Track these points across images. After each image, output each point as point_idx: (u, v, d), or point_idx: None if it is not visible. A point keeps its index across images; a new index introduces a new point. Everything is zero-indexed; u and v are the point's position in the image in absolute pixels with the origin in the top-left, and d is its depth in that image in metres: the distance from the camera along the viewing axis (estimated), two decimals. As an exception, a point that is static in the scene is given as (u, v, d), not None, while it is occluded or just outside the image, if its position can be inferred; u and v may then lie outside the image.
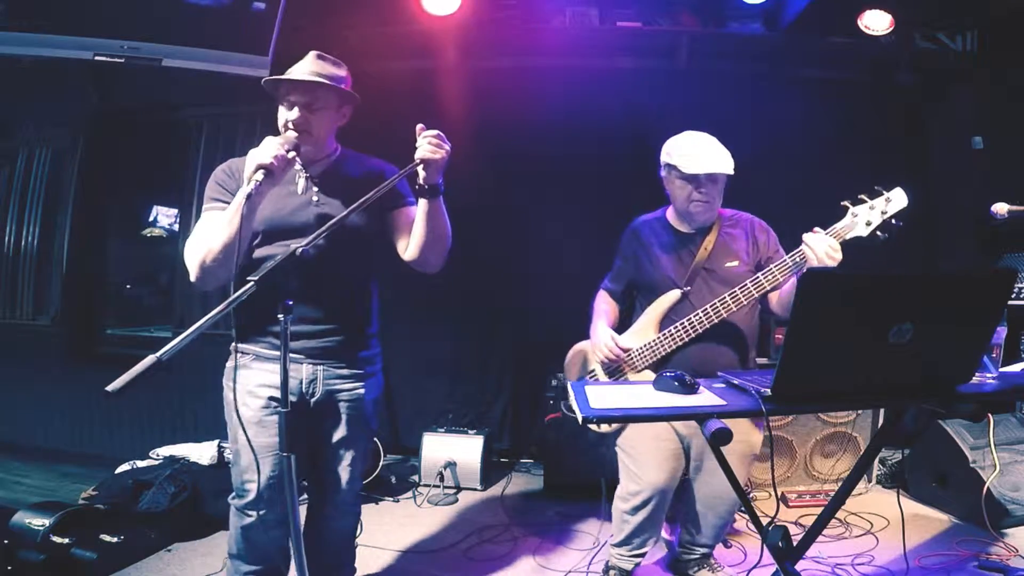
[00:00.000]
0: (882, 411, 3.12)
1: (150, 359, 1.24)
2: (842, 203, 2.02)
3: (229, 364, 1.90)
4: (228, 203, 1.81)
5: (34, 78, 4.02)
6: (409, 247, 1.93)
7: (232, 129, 4.16)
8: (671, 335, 2.19)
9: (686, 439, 2.29)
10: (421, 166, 1.78)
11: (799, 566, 1.59)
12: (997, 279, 1.42)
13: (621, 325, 2.41)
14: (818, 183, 3.99)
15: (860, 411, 3.33)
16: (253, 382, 1.87)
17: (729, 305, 2.11)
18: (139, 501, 2.85)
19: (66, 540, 2.42)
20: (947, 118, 4.04)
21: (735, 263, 2.24)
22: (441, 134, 1.80)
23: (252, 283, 1.37)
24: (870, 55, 3.90)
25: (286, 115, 1.85)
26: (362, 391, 1.98)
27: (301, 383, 1.88)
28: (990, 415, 3.06)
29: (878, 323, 1.34)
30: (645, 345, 2.25)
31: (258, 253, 1.85)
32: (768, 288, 2.09)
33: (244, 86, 3.39)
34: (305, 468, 2.00)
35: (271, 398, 1.85)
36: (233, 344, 1.87)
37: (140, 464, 3.24)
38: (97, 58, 3.38)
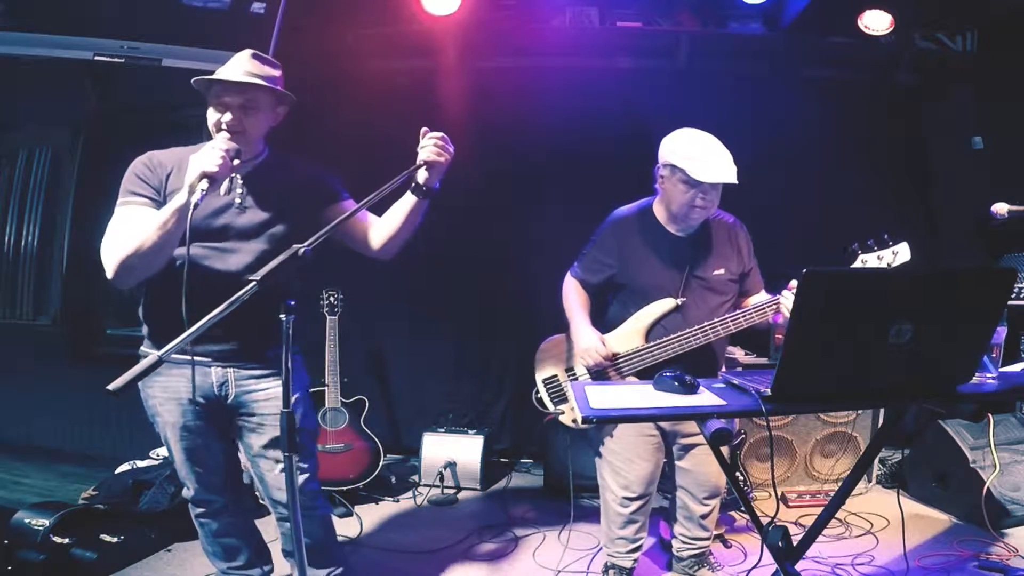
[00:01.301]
0: (882, 411, 3.12)
1: (152, 358, 1.25)
2: (851, 247, 2.08)
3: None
4: (148, 198, 1.78)
5: (34, 78, 4.01)
6: (377, 238, 1.94)
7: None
8: (663, 347, 2.19)
9: (665, 431, 2.33)
10: (424, 168, 1.78)
11: (799, 566, 1.60)
12: (997, 279, 1.42)
13: (594, 321, 2.37)
14: (818, 183, 4.01)
15: (860, 411, 3.33)
16: (170, 389, 1.87)
17: (730, 327, 2.16)
18: (139, 501, 2.85)
19: (66, 540, 2.42)
20: (947, 118, 4.03)
21: (721, 271, 2.25)
22: (446, 137, 1.80)
23: (254, 283, 1.37)
24: (870, 55, 3.90)
25: (218, 117, 1.79)
26: (278, 389, 1.86)
27: (213, 386, 1.88)
28: (990, 415, 3.06)
29: (878, 323, 1.34)
30: (632, 352, 2.24)
31: (176, 252, 1.76)
32: (757, 320, 2.16)
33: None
34: (224, 476, 2.02)
35: (190, 400, 1.87)
36: (141, 348, 1.90)
37: (140, 464, 3.24)
38: (97, 58, 3.38)
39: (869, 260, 2.07)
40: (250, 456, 1.97)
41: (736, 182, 2.13)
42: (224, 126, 1.78)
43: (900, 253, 2.07)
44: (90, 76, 4.03)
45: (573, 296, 2.40)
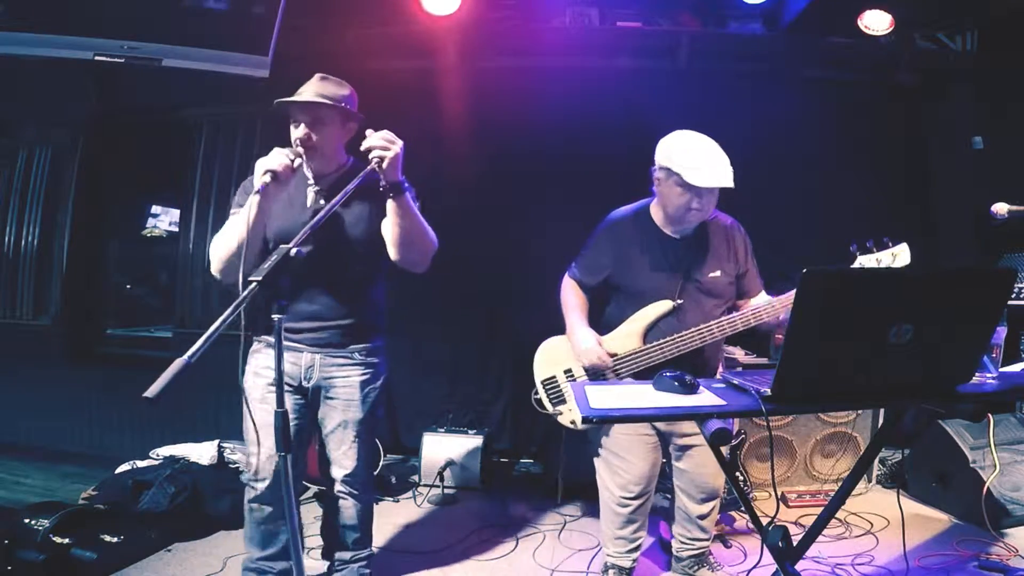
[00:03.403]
0: (882, 411, 3.12)
1: (180, 362, 1.26)
2: (851, 249, 2.07)
3: (252, 348, 2.12)
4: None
5: (34, 78, 4.02)
6: (389, 248, 2.03)
7: (232, 129, 4.16)
8: (661, 349, 2.19)
9: (662, 431, 2.33)
10: (378, 167, 1.84)
11: (799, 566, 1.60)
12: (997, 278, 1.42)
13: (592, 322, 2.39)
14: (818, 183, 4.01)
15: (860, 411, 3.33)
16: (260, 364, 2.07)
17: (726, 329, 2.16)
18: (139, 501, 2.85)
19: (66, 540, 2.43)
20: (947, 118, 4.03)
21: (717, 273, 2.25)
22: (388, 133, 1.88)
23: (255, 283, 1.40)
24: (870, 55, 3.90)
25: (293, 133, 2.01)
26: (357, 378, 2.13)
27: (300, 369, 2.09)
28: (990, 415, 3.06)
29: (878, 323, 1.34)
30: (630, 354, 2.24)
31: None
32: (754, 324, 2.16)
33: (244, 86, 3.40)
34: (304, 464, 2.13)
35: (275, 381, 1.94)
36: (247, 334, 2.02)
37: (140, 464, 3.24)
38: (97, 58, 3.38)
39: (867, 262, 2.06)
40: (324, 433, 2.18)
41: (732, 186, 2.11)
42: (297, 141, 1.99)
43: (899, 256, 2.06)
44: (90, 76, 4.04)
45: (571, 297, 2.40)
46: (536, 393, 2.46)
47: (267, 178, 1.80)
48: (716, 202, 2.21)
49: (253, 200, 1.85)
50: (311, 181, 2.08)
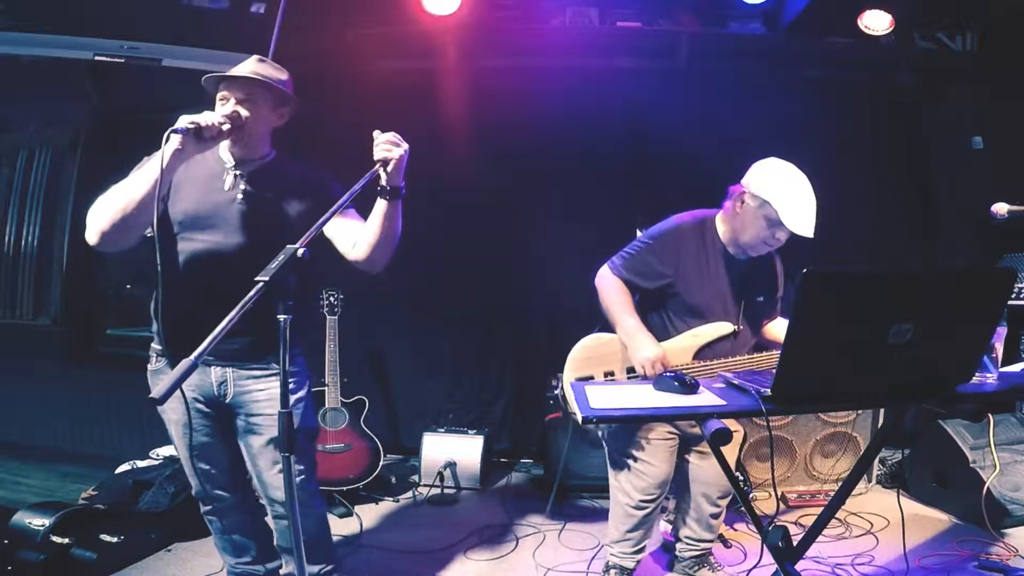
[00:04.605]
0: (882, 411, 3.12)
1: (187, 362, 1.25)
2: None
3: (150, 367, 1.96)
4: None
5: (34, 78, 4.01)
6: (358, 247, 1.90)
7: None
8: (711, 369, 2.10)
9: (684, 431, 2.32)
10: (382, 168, 1.77)
11: (799, 566, 1.60)
12: (997, 278, 1.42)
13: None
14: (818, 183, 4.00)
15: (860, 411, 3.33)
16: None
17: (762, 365, 2.11)
18: (139, 501, 2.85)
19: (66, 540, 2.42)
20: (947, 118, 4.03)
21: (761, 299, 2.24)
22: (396, 135, 1.80)
23: (263, 283, 1.37)
24: (870, 55, 3.90)
25: (220, 111, 1.84)
26: (277, 390, 1.88)
27: (212, 386, 1.92)
28: (990, 415, 3.05)
29: (878, 323, 1.34)
30: (681, 368, 2.16)
31: (181, 246, 1.86)
32: None
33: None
34: (230, 474, 2.05)
35: (195, 399, 1.91)
36: (152, 345, 1.94)
37: (140, 464, 3.24)
38: (97, 58, 3.38)
39: None
40: (249, 455, 1.99)
41: (812, 237, 2.05)
42: (222, 117, 1.82)
43: None
44: (90, 76, 4.03)
45: (621, 296, 2.24)
46: (558, 389, 2.42)
47: (188, 125, 1.65)
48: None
49: (166, 152, 1.65)
50: (230, 165, 1.93)
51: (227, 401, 1.94)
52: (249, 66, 1.91)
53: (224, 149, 1.94)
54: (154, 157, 1.73)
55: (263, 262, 1.71)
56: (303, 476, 1.98)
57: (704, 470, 2.38)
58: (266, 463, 1.96)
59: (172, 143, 1.66)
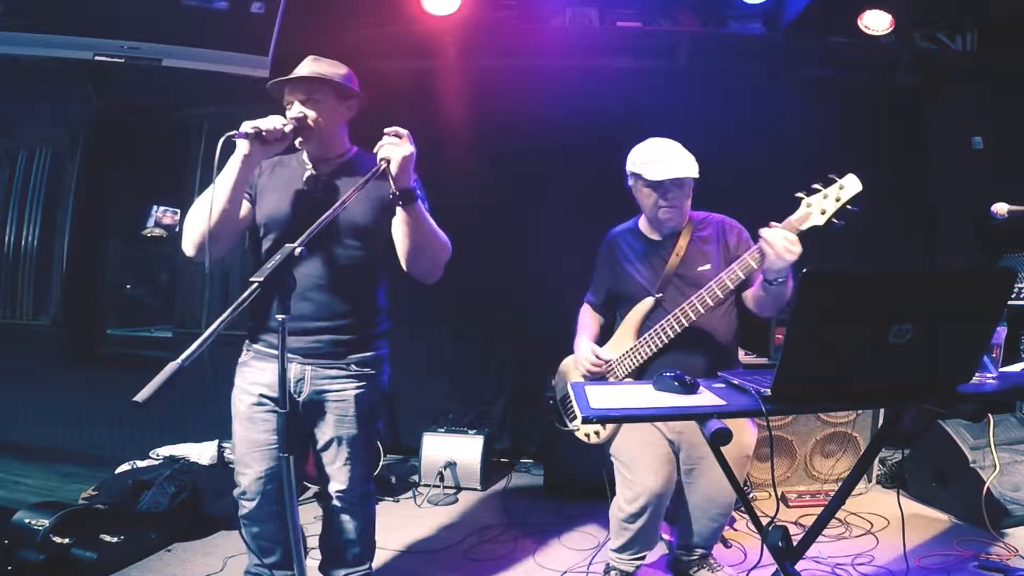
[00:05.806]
0: (882, 411, 3.12)
1: (173, 365, 1.21)
2: (796, 194, 1.98)
3: (240, 360, 1.99)
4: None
5: (34, 78, 4.02)
6: (401, 259, 1.91)
7: (232, 129, 4.15)
8: (647, 341, 2.20)
9: (675, 443, 2.28)
10: (388, 167, 1.72)
11: (799, 566, 1.59)
12: (997, 278, 1.42)
13: (604, 337, 2.42)
14: (818, 183, 4.00)
15: (860, 411, 3.33)
16: (248, 379, 1.93)
17: (697, 307, 2.09)
18: (139, 501, 2.85)
19: (66, 540, 2.42)
20: (947, 118, 4.03)
21: (707, 267, 2.22)
22: (400, 130, 1.76)
23: (257, 284, 1.37)
24: (870, 55, 3.90)
25: (289, 115, 1.88)
26: (352, 392, 1.94)
27: (289, 382, 1.87)
28: (990, 415, 3.05)
29: (878, 323, 1.34)
30: (624, 354, 2.26)
31: (265, 247, 1.93)
32: (732, 287, 2.06)
33: (244, 86, 3.40)
34: (301, 468, 2.03)
35: (262, 395, 1.91)
36: (246, 341, 1.97)
37: (140, 464, 3.24)
38: (97, 58, 3.38)
39: (814, 202, 1.93)
40: (316, 451, 1.99)
41: (695, 176, 2.15)
42: (291, 121, 1.85)
43: (847, 186, 1.91)
44: (90, 76, 4.04)
45: (581, 318, 2.49)
46: (561, 413, 2.52)
47: (249, 129, 1.69)
48: (688, 197, 2.22)
49: (234, 159, 1.70)
50: (309, 166, 1.95)
51: (301, 398, 1.91)
52: (306, 66, 1.93)
53: (303, 150, 1.96)
54: (227, 166, 1.78)
55: (341, 259, 1.88)
56: (351, 476, 1.98)
57: (700, 487, 2.30)
58: (329, 458, 1.96)
59: (239, 148, 1.72)
